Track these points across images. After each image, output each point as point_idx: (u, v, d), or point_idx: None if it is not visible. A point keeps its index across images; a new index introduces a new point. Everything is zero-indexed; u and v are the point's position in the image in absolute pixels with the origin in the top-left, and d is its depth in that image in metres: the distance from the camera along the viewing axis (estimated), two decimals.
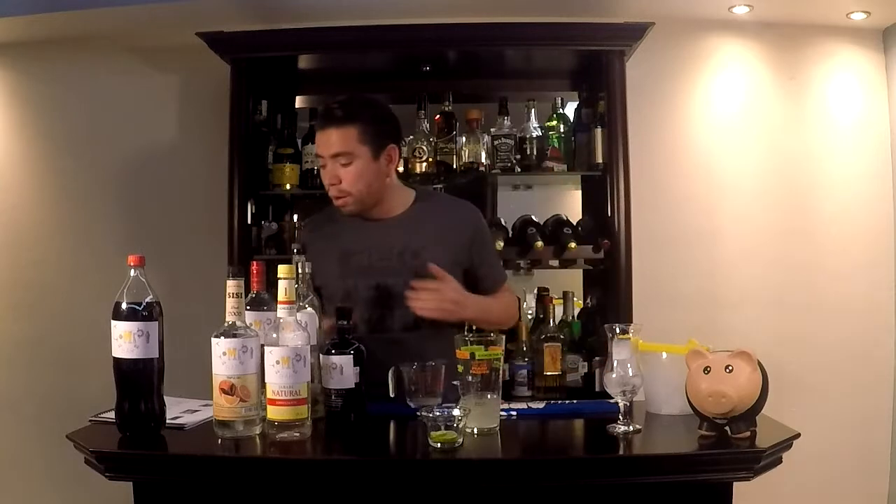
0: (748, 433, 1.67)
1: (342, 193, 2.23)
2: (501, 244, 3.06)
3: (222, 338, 1.70)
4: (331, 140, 2.20)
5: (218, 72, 3.20)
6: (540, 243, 3.08)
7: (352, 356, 1.82)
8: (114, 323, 1.73)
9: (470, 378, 1.80)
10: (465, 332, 1.94)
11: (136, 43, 3.52)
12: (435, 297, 2.14)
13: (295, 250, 3.04)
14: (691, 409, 1.73)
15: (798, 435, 1.72)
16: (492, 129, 3.22)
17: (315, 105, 3.49)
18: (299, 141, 3.35)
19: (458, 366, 1.83)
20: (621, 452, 1.74)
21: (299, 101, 3.57)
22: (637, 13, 3.15)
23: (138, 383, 1.73)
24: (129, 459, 1.69)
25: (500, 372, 1.83)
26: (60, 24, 3.31)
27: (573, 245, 3.11)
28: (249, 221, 3.19)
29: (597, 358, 3.10)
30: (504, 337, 1.87)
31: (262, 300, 1.87)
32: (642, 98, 3.33)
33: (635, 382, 1.78)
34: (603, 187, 3.25)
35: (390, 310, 2.22)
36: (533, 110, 3.30)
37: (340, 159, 2.20)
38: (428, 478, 1.65)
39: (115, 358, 1.74)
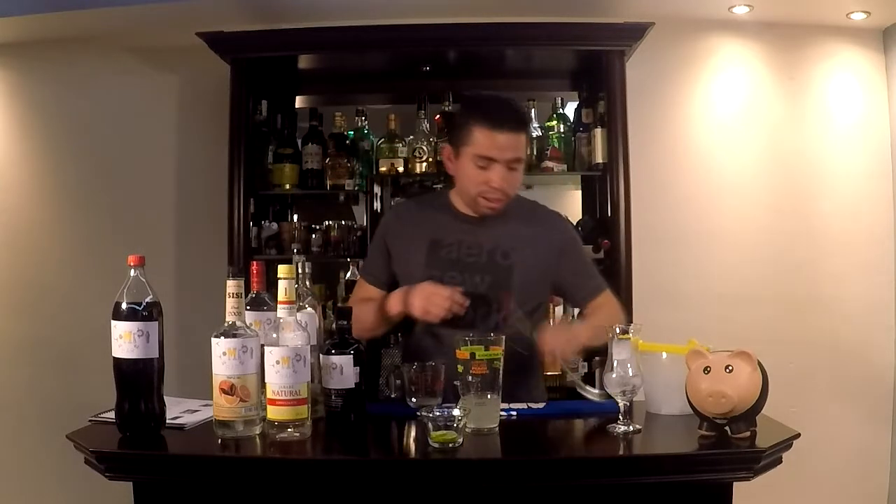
0: (748, 433, 1.67)
1: (505, 196, 2.21)
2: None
3: (222, 338, 1.70)
4: (512, 144, 2.17)
5: (218, 72, 3.20)
6: None
7: (352, 356, 1.82)
8: (114, 323, 1.73)
9: (470, 378, 1.80)
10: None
11: (136, 43, 3.53)
12: (561, 331, 2.18)
13: (295, 250, 3.07)
14: (691, 409, 1.73)
15: (798, 435, 1.72)
16: None
17: (315, 105, 3.50)
18: (299, 141, 3.36)
19: (458, 366, 1.82)
20: (621, 452, 1.74)
21: (299, 101, 3.58)
22: (637, 13, 3.15)
23: (138, 383, 1.73)
24: (129, 459, 1.69)
25: (500, 372, 1.83)
26: (60, 24, 3.31)
27: None
28: (250, 221, 3.19)
29: (597, 358, 3.10)
30: (504, 337, 1.87)
31: (262, 300, 1.87)
32: (642, 98, 3.33)
33: (635, 382, 1.78)
34: (603, 187, 3.26)
35: (472, 306, 2.18)
36: (533, 110, 3.30)
37: (514, 164, 2.19)
38: (428, 478, 1.65)
39: (115, 358, 1.74)
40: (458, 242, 2.24)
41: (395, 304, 2.17)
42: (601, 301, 2.32)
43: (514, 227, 2.27)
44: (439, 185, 3.27)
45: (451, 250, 2.24)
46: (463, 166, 2.22)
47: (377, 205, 3.43)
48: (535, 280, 2.25)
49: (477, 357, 1.80)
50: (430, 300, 2.09)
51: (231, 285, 1.72)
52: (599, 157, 3.20)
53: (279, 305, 1.80)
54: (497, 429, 1.81)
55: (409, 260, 2.25)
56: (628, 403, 1.78)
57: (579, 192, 3.56)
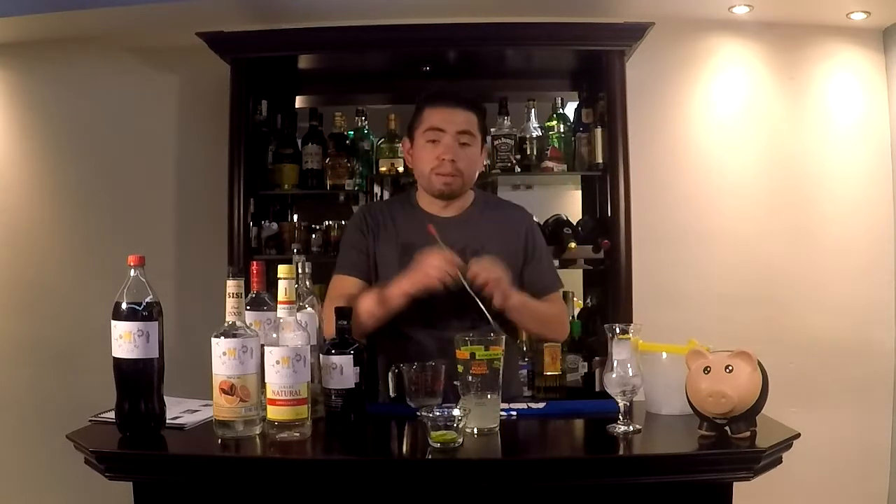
0: (748, 433, 1.67)
1: (456, 172, 2.24)
2: (574, 244, 3.10)
3: (222, 338, 1.70)
4: (458, 118, 2.23)
5: (218, 72, 3.20)
6: None
7: (352, 356, 1.82)
8: (114, 323, 1.73)
9: (470, 378, 1.80)
10: (468, 333, 1.94)
11: (136, 43, 3.53)
12: (493, 264, 2.11)
13: (295, 250, 3.07)
14: (691, 409, 1.73)
15: (798, 435, 1.72)
16: (492, 129, 3.21)
17: (315, 105, 3.50)
18: (299, 141, 3.35)
19: (458, 366, 1.82)
20: (621, 452, 1.74)
21: (299, 101, 3.58)
22: (637, 13, 3.15)
23: (138, 383, 1.73)
24: (129, 459, 1.69)
25: (500, 372, 1.83)
26: (60, 24, 3.31)
27: (573, 245, 3.11)
28: (250, 221, 3.19)
29: (597, 358, 3.10)
30: (504, 337, 1.87)
31: (262, 300, 1.87)
32: (642, 98, 3.33)
33: (635, 382, 1.78)
34: (603, 187, 3.26)
35: (446, 307, 2.20)
36: (533, 110, 3.30)
37: (463, 138, 2.23)
38: (428, 478, 1.65)
39: (115, 358, 1.74)
40: (429, 243, 2.22)
41: (395, 291, 2.14)
42: (550, 299, 2.33)
43: (483, 224, 2.30)
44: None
45: (422, 251, 2.22)
46: (417, 149, 2.28)
47: None
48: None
49: (477, 357, 1.80)
50: (423, 272, 2.09)
51: (231, 285, 1.72)
52: (599, 157, 3.20)
53: (279, 305, 1.80)
54: (497, 429, 1.81)
55: (385, 261, 2.26)
56: (628, 403, 1.78)
57: (579, 192, 3.56)
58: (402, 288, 2.13)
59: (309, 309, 1.95)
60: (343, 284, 2.27)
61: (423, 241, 2.23)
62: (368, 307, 2.17)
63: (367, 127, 3.40)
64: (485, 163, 2.49)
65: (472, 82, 3.48)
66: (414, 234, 2.26)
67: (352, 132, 3.39)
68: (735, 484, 1.68)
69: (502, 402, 1.90)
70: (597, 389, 3.09)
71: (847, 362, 3.42)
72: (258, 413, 1.73)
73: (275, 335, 1.75)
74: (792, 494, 3.16)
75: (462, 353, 1.81)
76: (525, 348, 3.18)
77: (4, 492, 3.48)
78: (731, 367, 1.67)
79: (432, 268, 2.08)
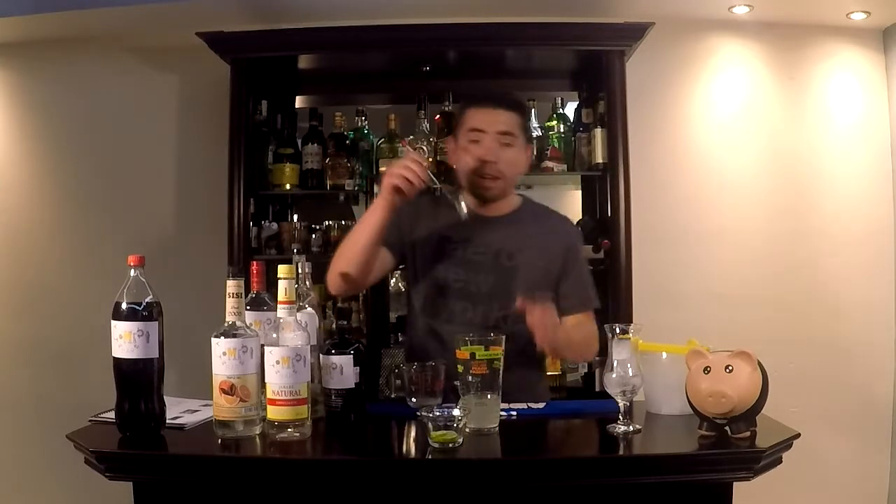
0: (748, 433, 1.67)
1: (498, 174, 2.24)
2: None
3: (222, 338, 1.70)
4: (499, 119, 2.24)
5: (218, 72, 3.20)
6: None
7: (352, 356, 1.82)
8: (114, 323, 1.73)
9: (470, 378, 1.80)
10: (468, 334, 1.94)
11: (136, 43, 3.53)
12: (549, 310, 2.05)
13: (295, 250, 3.07)
14: (691, 409, 1.73)
15: (798, 435, 1.72)
16: None
17: (315, 105, 3.50)
18: (299, 141, 3.35)
19: (458, 366, 1.82)
20: (621, 452, 1.74)
21: (299, 101, 3.58)
22: (637, 13, 3.15)
23: (138, 383, 1.73)
24: (129, 459, 1.69)
25: (501, 372, 1.83)
26: (60, 24, 3.31)
27: None
28: (250, 221, 3.19)
29: (597, 358, 3.10)
30: (505, 338, 1.87)
31: (262, 300, 1.87)
32: (642, 98, 3.33)
33: (635, 382, 1.78)
34: (603, 187, 3.26)
35: (473, 304, 2.22)
36: (533, 110, 3.29)
37: (504, 139, 2.23)
38: (428, 478, 1.65)
39: (115, 358, 1.74)
40: (466, 241, 2.25)
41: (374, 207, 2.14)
42: (581, 319, 2.28)
43: (523, 229, 2.29)
44: (439, 186, 3.26)
45: (457, 247, 2.25)
46: (460, 149, 2.28)
47: None
48: (537, 283, 2.23)
49: (477, 357, 1.80)
50: (386, 176, 2.10)
51: (231, 285, 1.72)
52: (599, 157, 3.20)
53: (279, 305, 1.80)
54: (497, 429, 1.81)
55: (418, 251, 2.27)
56: (628, 403, 1.78)
57: (579, 192, 3.56)
58: (376, 201, 2.14)
59: (309, 309, 1.95)
60: None
61: (460, 237, 2.25)
62: (355, 228, 2.19)
63: (367, 127, 3.40)
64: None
65: (472, 82, 3.48)
66: (454, 230, 2.26)
67: (352, 132, 3.39)
68: (735, 484, 1.68)
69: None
70: (597, 389, 3.09)
71: (847, 362, 3.42)
72: (258, 413, 1.73)
73: (275, 335, 1.75)
74: (792, 494, 3.17)
75: (462, 353, 1.82)
76: None
77: (4, 492, 3.48)
78: (731, 367, 1.67)
79: (395, 168, 2.08)
